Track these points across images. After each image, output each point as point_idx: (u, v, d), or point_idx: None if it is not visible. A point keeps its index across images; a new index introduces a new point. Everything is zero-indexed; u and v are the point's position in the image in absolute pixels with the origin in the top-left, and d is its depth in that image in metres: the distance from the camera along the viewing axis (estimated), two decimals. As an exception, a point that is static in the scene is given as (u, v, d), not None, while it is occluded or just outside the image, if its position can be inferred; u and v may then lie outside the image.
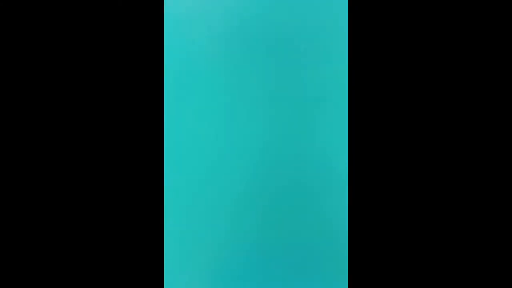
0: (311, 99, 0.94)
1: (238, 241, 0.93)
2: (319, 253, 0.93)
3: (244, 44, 0.93)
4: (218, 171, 0.93)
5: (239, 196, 0.93)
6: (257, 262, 0.93)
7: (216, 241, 0.93)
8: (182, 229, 0.92)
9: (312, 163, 0.94)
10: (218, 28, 0.93)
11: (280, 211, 0.93)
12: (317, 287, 0.93)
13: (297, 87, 0.94)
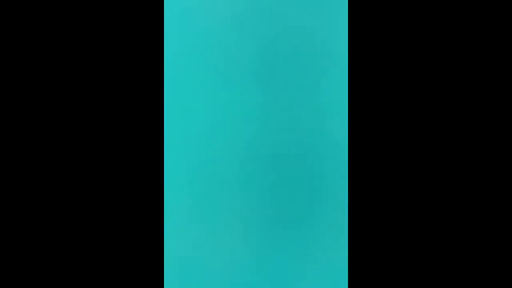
0: (311, 99, 0.94)
1: (238, 241, 0.93)
2: (320, 254, 0.93)
3: (244, 44, 0.93)
4: (218, 171, 0.93)
5: (239, 196, 0.93)
6: (257, 262, 0.93)
7: (216, 241, 0.93)
8: (182, 229, 0.92)
9: (312, 164, 0.93)
10: (218, 28, 0.93)
11: (281, 211, 0.93)
12: None
13: (297, 87, 0.94)
